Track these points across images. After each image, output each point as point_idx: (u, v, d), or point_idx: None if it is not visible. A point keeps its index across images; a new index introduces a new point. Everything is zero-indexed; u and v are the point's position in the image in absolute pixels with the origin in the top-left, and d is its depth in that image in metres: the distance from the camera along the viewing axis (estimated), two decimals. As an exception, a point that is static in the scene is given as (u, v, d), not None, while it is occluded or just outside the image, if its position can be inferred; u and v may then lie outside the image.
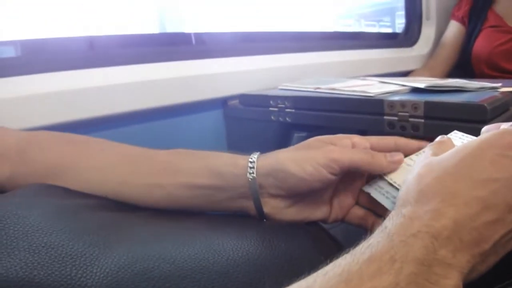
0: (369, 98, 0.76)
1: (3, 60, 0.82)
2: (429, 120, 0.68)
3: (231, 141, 1.03)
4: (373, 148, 0.50)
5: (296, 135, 0.88)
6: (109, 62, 0.89)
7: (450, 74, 1.60)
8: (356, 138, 0.50)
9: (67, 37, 0.93)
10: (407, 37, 1.74)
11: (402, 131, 0.71)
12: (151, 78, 0.88)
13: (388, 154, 0.47)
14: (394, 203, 0.45)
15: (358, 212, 0.51)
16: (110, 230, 0.43)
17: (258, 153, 0.50)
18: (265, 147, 0.96)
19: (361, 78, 1.06)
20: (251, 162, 0.48)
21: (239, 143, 1.01)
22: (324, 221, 0.52)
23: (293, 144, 0.87)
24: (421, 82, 0.81)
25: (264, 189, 0.48)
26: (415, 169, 0.40)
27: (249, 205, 0.49)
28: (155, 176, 0.50)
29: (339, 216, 0.51)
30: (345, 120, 0.79)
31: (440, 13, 1.74)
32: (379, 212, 0.49)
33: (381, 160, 0.46)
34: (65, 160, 0.54)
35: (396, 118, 0.72)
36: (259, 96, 0.94)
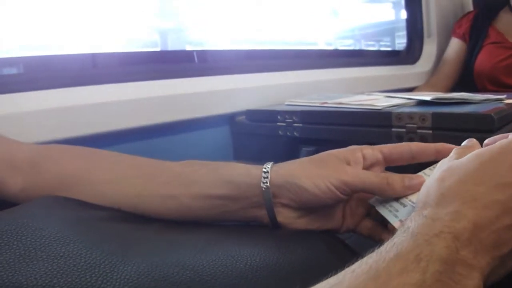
0: (377, 110, 0.76)
1: (7, 76, 0.83)
2: (437, 131, 0.68)
3: (238, 157, 1.03)
4: (386, 159, 0.50)
5: (304, 149, 0.88)
6: (114, 79, 0.90)
7: (453, 90, 1.62)
8: (367, 150, 0.50)
9: (70, 54, 0.95)
10: (409, 55, 1.76)
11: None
12: (158, 94, 0.89)
13: (407, 178, 0.47)
14: (396, 217, 0.46)
15: (367, 223, 0.51)
16: (126, 239, 0.44)
17: (271, 163, 0.50)
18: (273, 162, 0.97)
19: (366, 93, 1.07)
20: (264, 172, 0.49)
21: (247, 158, 1.01)
22: (337, 231, 0.52)
23: (301, 159, 0.88)
24: (426, 96, 0.82)
25: (277, 199, 0.48)
26: (436, 173, 0.40)
27: (262, 214, 0.49)
28: (169, 187, 0.51)
29: (351, 226, 0.52)
30: (353, 133, 0.79)
31: (441, 30, 1.76)
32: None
33: (395, 186, 0.46)
34: (78, 173, 0.55)
35: (404, 130, 0.72)
36: (266, 111, 0.95)
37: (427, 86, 1.62)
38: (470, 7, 1.74)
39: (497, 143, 0.39)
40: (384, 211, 0.47)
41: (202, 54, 1.14)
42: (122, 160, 0.57)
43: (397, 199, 0.47)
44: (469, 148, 0.44)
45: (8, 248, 0.39)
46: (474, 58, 1.55)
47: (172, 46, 1.40)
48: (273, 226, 0.50)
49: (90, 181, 0.53)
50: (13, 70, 0.87)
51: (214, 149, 1.02)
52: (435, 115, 0.68)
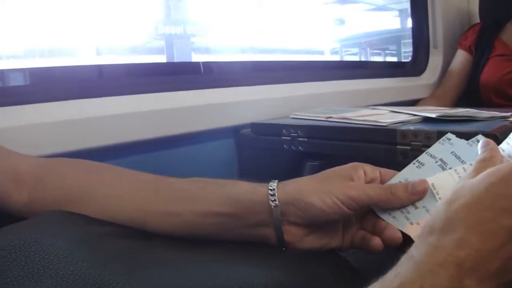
0: (382, 127, 0.77)
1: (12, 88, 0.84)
2: (442, 149, 0.69)
3: (242, 169, 1.04)
4: (382, 178, 0.51)
5: (308, 163, 0.89)
6: (118, 92, 0.91)
7: (458, 103, 1.62)
8: (367, 167, 0.51)
9: (76, 65, 0.95)
10: (414, 66, 1.77)
11: (415, 160, 0.72)
12: (163, 107, 0.90)
13: (410, 185, 0.47)
14: (408, 219, 0.46)
15: (360, 233, 0.51)
16: (131, 258, 0.44)
17: (276, 181, 0.51)
18: (277, 176, 0.97)
19: (371, 107, 1.07)
20: (271, 189, 0.49)
21: (251, 171, 1.02)
22: (340, 248, 0.52)
23: (306, 173, 0.89)
24: (432, 112, 0.83)
25: (285, 217, 0.49)
26: (448, 193, 0.39)
27: (268, 233, 0.49)
28: (173, 203, 0.51)
29: (349, 241, 0.52)
30: (358, 149, 0.80)
31: (447, 41, 1.76)
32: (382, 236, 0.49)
33: (399, 195, 0.47)
34: (83, 188, 0.55)
35: (409, 147, 0.73)
36: (271, 125, 0.96)
37: (433, 98, 1.62)
38: (476, 19, 1.74)
39: (508, 162, 0.38)
40: (391, 219, 0.47)
41: (208, 66, 1.15)
42: (126, 175, 0.58)
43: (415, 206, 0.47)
44: (489, 162, 0.43)
45: (16, 264, 0.40)
46: (480, 71, 1.55)
47: (178, 52, 1.41)
48: (280, 245, 0.50)
49: (94, 197, 0.54)
50: (17, 82, 0.88)
51: (219, 161, 1.03)
52: (440, 134, 0.68)
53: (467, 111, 0.89)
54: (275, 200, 0.48)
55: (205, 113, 0.96)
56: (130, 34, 1.18)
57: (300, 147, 0.89)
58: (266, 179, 0.96)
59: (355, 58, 4.38)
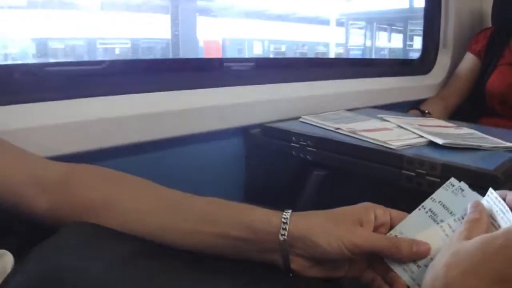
0: (389, 150, 0.80)
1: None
2: (445, 180, 0.72)
3: (249, 169, 1.07)
4: (392, 223, 0.55)
5: (315, 173, 0.92)
6: (125, 90, 0.91)
7: (462, 106, 1.64)
8: (379, 211, 0.55)
9: (85, 60, 0.96)
10: (422, 64, 1.78)
11: (418, 187, 0.75)
12: (172, 108, 0.91)
13: (415, 244, 0.51)
14: (412, 279, 0.50)
15: (370, 275, 0.55)
16: (168, 279, 0.49)
17: (290, 212, 0.54)
18: (283, 180, 1.01)
19: (379, 116, 1.10)
20: (284, 222, 0.53)
21: (258, 172, 1.05)
22: (343, 277, 0.57)
23: (312, 181, 0.92)
24: (438, 137, 0.85)
25: (293, 248, 0.53)
26: (445, 255, 0.44)
27: (277, 259, 0.54)
28: (193, 224, 0.55)
29: (354, 273, 0.56)
30: (364, 167, 0.83)
31: (457, 42, 1.77)
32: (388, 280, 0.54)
33: (403, 252, 0.50)
34: (106, 199, 0.58)
35: (413, 174, 0.76)
36: (281, 130, 0.99)
37: (438, 99, 1.64)
38: (488, 22, 1.74)
39: (502, 232, 0.43)
40: (400, 270, 0.51)
41: (218, 62, 1.16)
42: (148, 189, 0.61)
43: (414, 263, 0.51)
44: (478, 223, 0.47)
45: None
46: (487, 77, 1.56)
47: (182, 12, 1.40)
48: (286, 271, 0.54)
49: (116, 209, 0.57)
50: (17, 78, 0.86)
51: (227, 160, 1.06)
52: (445, 167, 0.72)
53: (472, 135, 0.92)
54: (284, 234, 0.52)
55: (215, 114, 0.98)
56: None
57: (308, 156, 0.92)
58: (272, 181, 0.99)
59: (361, 32, 4.36)
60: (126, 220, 0.57)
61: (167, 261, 0.53)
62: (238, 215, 0.55)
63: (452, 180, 0.55)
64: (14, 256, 0.51)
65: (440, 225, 0.52)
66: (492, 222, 0.49)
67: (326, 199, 0.90)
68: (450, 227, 0.51)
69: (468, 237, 0.45)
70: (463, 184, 0.54)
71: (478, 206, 0.50)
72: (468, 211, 0.50)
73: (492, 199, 0.51)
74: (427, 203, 0.54)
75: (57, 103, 0.81)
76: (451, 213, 0.53)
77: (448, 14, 1.76)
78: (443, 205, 0.53)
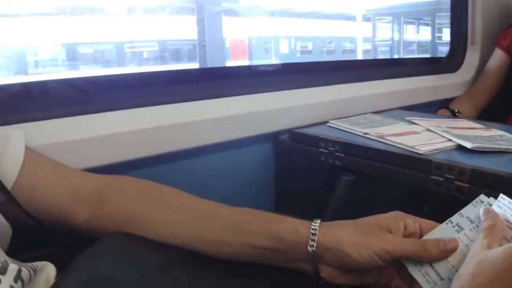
0: (418, 156, 0.81)
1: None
2: (474, 186, 0.73)
3: (279, 174, 1.09)
4: (422, 230, 0.55)
5: (343, 178, 0.93)
6: (155, 101, 0.94)
7: (492, 104, 1.62)
8: (409, 220, 0.56)
9: (112, 74, 0.98)
10: (451, 62, 1.76)
11: (447, 192, 0.76)
12: (202, 117, 0.94)
13: (441, 242, 0.52)
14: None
15: (397, 282, 0.56)
16: (203, 286, 0.52)
17: (319, 222, 0.56)
18: (312, 185, 1.02)
19: (407, 119, 1.10)
20: (312, 233, 0.55)
21: (287, 177, 1.07)
22: (373, 286, 0.58)
23: (340, 186, 0.94)
24: (467, 140, 0.85)
25: (322, 259, 0.55)
26: (470, 264, 0.45)
27: (306, 267, 0.56)
28: (223, 234, 0.58)
29: (383, 282, 0.57)
30: (392, 173, 0.84)
31: (485, 38, 1.74)
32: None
33: (432, 252, 0.51)
34: (141, 211, 0.62)
35: (442, 179, 0.77)
36: (310, 136, 1.00)
37: (467, 97, 1.62)
38: (517, 17, 1.72)
39: None
40: (418, 275, 0.52)
41: (242, 70, 1.17)
42: (180, 201, 0.64)
43: (430, 263, 0.52)
44: (493, 229, 0.49)
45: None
46: (516, 74, 1.55)
47: (208, 13, 1.42)
48: (316, 278, 0.56)
49: (150, 220, 0.61)
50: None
51: (256, 166, 1.08)
52: (474, 172, 0.73)
53: (502, 136, 0.92)
54: (313, 246, 0.54)
55: (244, 121, 1.01)
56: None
57: (336, 162, 0.94)
58: (301, 185, 1.01)
59: (388, 26, 4.33)
60: (160, 231, 0.60)
61: (202, 269, 0.56)
62: (266, 225, 0.57)
63: (482, 196, 0.56)
64: (56, 267, 0.54)
65: (457, 236, 0.53)
66: (508, 225, 0.50)
67: (354, 204, 0.91)
68: (467, 237, 0.52)
69: (489, 245, 0.47)
70: (492, 200, 0.55)
71: (489, 213, 0.52)
72: (481, 219, 0.52)
73: (505, 203, 0.52)
74: (455, 218, 0.55)
75: (94, 116, 0.85)
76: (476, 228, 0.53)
77: (476, 10, 1.74)
78: (471, 221, 0.54)
